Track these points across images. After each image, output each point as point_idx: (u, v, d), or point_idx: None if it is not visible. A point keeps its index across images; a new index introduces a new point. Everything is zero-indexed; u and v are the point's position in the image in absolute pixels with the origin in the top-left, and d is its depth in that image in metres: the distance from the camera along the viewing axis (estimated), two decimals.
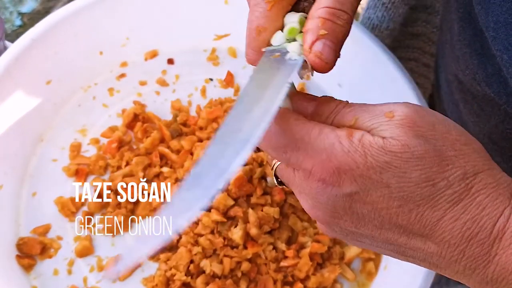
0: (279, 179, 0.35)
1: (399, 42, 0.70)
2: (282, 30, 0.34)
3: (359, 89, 0.64)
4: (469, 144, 0.30)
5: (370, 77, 0.64)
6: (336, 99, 0.33)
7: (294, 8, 0.34)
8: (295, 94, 0.33)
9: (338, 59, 0.32)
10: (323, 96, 0.34)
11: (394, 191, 0.29)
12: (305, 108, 0.32)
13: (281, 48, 0.33)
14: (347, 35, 0.32)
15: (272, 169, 0.34)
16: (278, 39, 0.33)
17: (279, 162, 0.33)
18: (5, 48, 0.65)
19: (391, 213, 0.29)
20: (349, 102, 0.33)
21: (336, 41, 0.31)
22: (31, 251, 0.58)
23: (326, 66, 0.31)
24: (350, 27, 0.32)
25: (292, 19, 0.33)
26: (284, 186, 0.35)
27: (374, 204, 0.29)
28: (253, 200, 0.58)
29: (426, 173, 0.29)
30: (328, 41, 0.30)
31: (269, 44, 0.33)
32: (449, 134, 0.30)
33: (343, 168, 0.29)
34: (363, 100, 0.34)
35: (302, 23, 0.33)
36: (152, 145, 0.62)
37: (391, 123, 0.29)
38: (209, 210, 0.57)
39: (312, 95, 0.34)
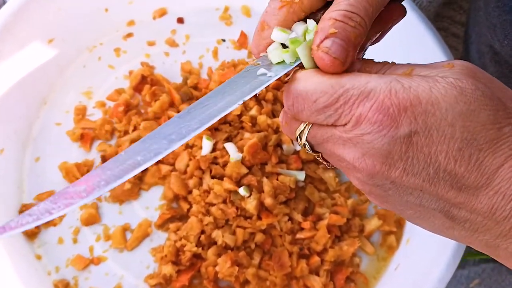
0: (309, 145, 0.32)
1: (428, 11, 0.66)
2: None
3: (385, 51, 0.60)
4: None
5: (398, 39, 0.59)
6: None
7: (312, 18, 0.33)
8: None
9: None
10: (367, 58, 0.31)
11: (457, 131, 0.27)
12: (351, 65, 0.30)
13: (264, 58, 0.32)
14: (361, 39, 0.30)
15: (300, 137, 0.31)
16: (272, 46, 0.32)
17: (309, 127, 0.31)
18: (5, 3, 0.61)
19: (449, 157, 0.27)
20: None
21: (347, 41, 0.29)
22: None
23: (335, 62, 0.29)
24: (365, 31, 0.30)
25: (298, 29, 0.32)
26: (318, 154, 0.32)
27: (433, 147, 0.28)
28: (268, 168, 0.55)
29: (494, 114, 0.27)
30: (338, 39, 0.29)
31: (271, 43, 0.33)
32: (506, 89, 0.29)
33: (404, 105, 0.27)
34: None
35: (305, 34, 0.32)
36: (161, 109, 0.58)
37: (452, 71, 0.28)
38: (221, 178, 0.54)
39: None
